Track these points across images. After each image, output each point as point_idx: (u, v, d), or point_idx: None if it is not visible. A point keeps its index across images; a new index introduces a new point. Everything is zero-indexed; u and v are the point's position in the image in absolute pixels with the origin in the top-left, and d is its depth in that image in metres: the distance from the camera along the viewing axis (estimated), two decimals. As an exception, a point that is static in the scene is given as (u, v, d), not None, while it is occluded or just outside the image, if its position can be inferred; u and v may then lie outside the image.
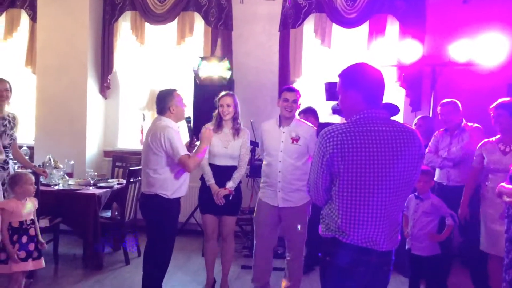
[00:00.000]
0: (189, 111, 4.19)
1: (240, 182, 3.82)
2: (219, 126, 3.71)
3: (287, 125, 3.56)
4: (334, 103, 4.47)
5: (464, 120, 4.05)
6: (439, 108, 4.12)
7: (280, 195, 3.53)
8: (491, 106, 3.51)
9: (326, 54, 5.53)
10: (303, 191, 3.51)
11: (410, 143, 1.98)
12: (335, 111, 3.45)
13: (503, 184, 2.93)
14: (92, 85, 5.73)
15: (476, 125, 3.99)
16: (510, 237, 2.74)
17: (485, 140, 3.64)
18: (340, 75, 2.11)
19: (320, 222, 2.10)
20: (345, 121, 2.07)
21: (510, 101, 3.39)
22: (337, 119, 5.03)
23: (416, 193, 3.67)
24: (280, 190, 3.53)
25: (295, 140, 3.51)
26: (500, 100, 3.52)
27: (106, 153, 5.91)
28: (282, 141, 3.53)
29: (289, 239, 3.65)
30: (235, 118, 3.73)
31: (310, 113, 4.73)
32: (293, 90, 3.59)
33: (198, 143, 3.61)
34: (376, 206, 1.95)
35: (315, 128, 3.70)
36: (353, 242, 1.96)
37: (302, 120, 3.82)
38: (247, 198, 3.89)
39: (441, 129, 4.17)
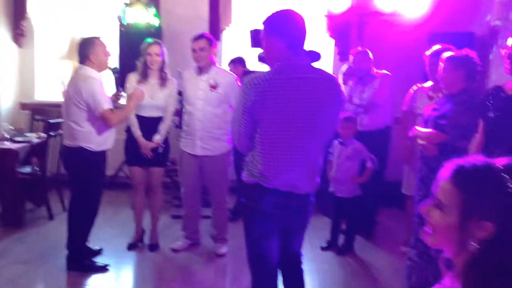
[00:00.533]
0: (114, 60, 3.98)
1: (168, 132, 3.75)
2: (145, 76, 3.56)
3: (205, 72, 3.49)
4: (260, 50, 4.40)
5: (374, 68, 4.10)
6: (350, 57, 4.17)
7: (198, 143, 3.52)
8: (427, 53, 3.49)
9: (257, 1, 5.42)
10: (223, 140, 3.52)
11: (330, 89, 2.02)
12: (261, 59, 3.40)
13: (417, 127, 3.09)
14: (3, 33, 5.24)
15: (385, 72, 4.07)
16: (421, 176, 2.92)
17: (419, 85, 3.67)
18: (264, 22, 2.08)
19: (244, 169, 2.12)
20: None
21: (452, 55, 3.23)
22: (265, 67, 5.01)
23: (340, 139, 3.81)
24: (199, 139, 3.50)
25: (214, 87, 3.46)
26: (436, 47, 3.47)
27: (23, 106, 5.51)
28: (201, 89, 3.48)
29: (211, 187, 3.68)
30: (161, 68, 3.60)
31: (238, 62, 4.68)
32: (200, 37, 3.48)
33: (124, 94, 3.47)
34: (297, 152, 1.99)
35: (235, 75, 3.67)
36: (275, 186, 2.01)
37: (224, 68, 3.77)
38: (176, 149, 3.83)
39: (354, 78, 4.21)
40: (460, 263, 0.97)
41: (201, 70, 3.51)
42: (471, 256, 0.94)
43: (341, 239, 3.90)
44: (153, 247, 3.74)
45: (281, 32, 2.00)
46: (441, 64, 2.87)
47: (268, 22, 2.06)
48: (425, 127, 3.21)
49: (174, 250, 3.70)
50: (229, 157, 3.70)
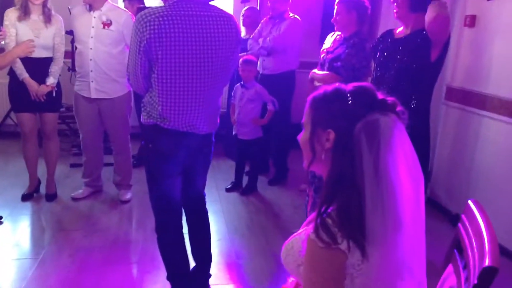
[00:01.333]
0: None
1: (60, 75, 3.50)
2: (26, 12, 3.22)
3: (97, 9, 3.26)
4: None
5: (289, 11, 4.05)
6: None
7: (93, 85, 3.34)
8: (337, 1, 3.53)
9: None
10: (119, 82, 3.38)
11: (227, 28, 1.99)
12: (156, -6, 3.25)
13: (315, 70, 3.22)
14: None
15: (295, 16, 4.06)
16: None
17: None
18: None
19: (142, 110, 2.06)
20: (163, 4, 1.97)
21: None
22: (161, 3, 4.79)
23: (242, 82, 3.85)
24: (93, 80, 3.33)
25: (107, 25, 3.26)
26: None
27: None
28: (93, 26, 3.26)
29: (111, 132, 3.56)
30: (44, 3, 3.26)
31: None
32: None
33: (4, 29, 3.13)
34: (195, 92, 1.97)
35: (130, 13, 3.47)
36: (174, 127, 1.99)
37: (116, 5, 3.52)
38: (71, 94, 3.58)
39: (268, 16, 4.16)
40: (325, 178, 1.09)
41: (92, 7, 3.26)
42: (328, 170, 1.06)
43: (245, 181, 4.04)
44: (50, 197, 3.57)
45: None
46: (336, 7, 2.98)
47: None
48: (321, 69, 3.35)
49: (75, 199, 3.57)
50: (128, 101, 3.57)
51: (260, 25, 4.17)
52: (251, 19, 4.55)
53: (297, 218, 3.43)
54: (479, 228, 1.15)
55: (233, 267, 2.76)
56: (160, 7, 1.91)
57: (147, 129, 2.05)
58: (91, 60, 3.28)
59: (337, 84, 1.12)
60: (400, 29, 2.72)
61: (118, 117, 3.48)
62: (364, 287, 1.00)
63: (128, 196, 3.65)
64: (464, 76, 3.51)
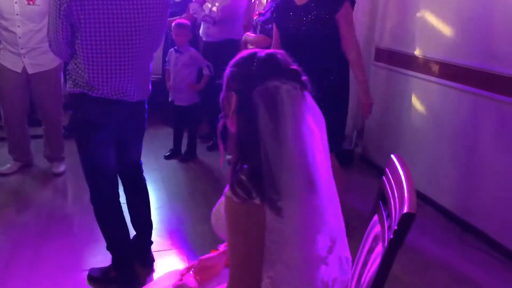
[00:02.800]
0: None
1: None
2: None
3: None
4: None
5: None
6: None
7: (27, 61, 3.17)
8: None
9: None
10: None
11: None
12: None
13: (247, 33, 3.22)
14: None
15: None
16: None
17: None
18: None
19: (67, 79, 1.97)
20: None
21: None
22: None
23: (176, 47, 3.76)
24: (26, 57, 3.15)
25: (31, 0, 3.05)
26: None
27: None
28: (16, 2, 3.04)
29: (43, 105, 3.39)
30: None
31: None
32: None
33: None
34: (124, 57, 1.90)
35: None
36: (103, 95, 1.92)
37: None
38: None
39: None
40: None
41: None
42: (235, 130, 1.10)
43: (184, 147, 4.02)
44: None
45: None
46: None
47: None
48: (254, 32, 3.35)
49: (3, 174, 3.39)
50: (61, 71, 3.38)
51: None
52: None
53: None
54: (400, 179, 1.23)
55: (175, 233, 2.78)
56: None
57: (74, 98, 1.97)
58: (20, 38, 3.10)
59: (251, 50, 1.13)
60: None
61: (51, 89, 3.32)
62: (284, 238, 1.05)
63: (61, 168, 3.52)
64: (391, 37, 3.64)
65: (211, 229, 1.24)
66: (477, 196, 2.79)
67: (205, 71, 3.77)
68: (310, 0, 2.36)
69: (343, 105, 2.59)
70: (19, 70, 3.18)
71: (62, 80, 3.48)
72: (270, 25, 2.90)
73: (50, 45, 1.94)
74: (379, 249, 1.21)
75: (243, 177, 1.03)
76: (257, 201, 1.01)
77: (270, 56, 1.10)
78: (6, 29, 3.12)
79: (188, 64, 3.75)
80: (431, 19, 3.17)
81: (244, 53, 1.14)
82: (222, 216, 1.10)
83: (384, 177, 1.39)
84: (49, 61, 3.22)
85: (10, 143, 3.45)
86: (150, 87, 2.14)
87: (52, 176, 3.46)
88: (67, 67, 1.96)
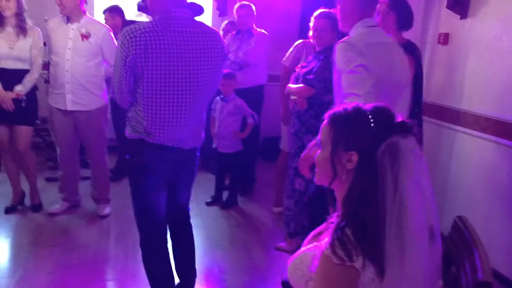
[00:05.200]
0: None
1: (37, 88, 3.44)
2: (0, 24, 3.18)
3: (76, 21, 3.24)
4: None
5: (254, 26, 4.09)
6: (235, 10, 4.10)
7: (69, 97, 3.29)
8: (314, 15, 3.23)
9: None
10: (96, 94, 3.35)
11: (213, 44, 2.01)
12: (140, 8, 3.21)
13: (290, 84, 3.27)
14: None
15: (262, 31, 4.10)
16: (295, 131, 3.12)
17: (303, 40, 3.58)
18: None
19: (126, 125, 2.05)
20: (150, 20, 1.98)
21: (322, 14, 3.09)
22: (144, 18, 4.78)
23: (222, 96, 3.87)
24: (69, 92, 3.27)
25: (85, 37, 3.23)
26: (320, 11, 3.51)
27: None
28: (70, 38, 3.22)
29: (87, 145, 3.51)
30: (18, 14, 3.22)
31: (115, 11, 4.40)
32: None
33: None
34: (181, 107, 1.97)
35: (108, 27, 3.47)
36: (159, 142, 1.99)
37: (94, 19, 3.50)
38: (46, 106, 3.52)
39: (233, 32, 4.20)
40: (341, 197, 1.12)
41: (70, 19, 3.23)
42: (347, 188, 1.09)
43: (225, 194, 4.03)
44: (36, 207, 3.54)
45: None
46: (313, 21, 3.04)
47: None
48: (296, 83, 3.40)
49: (52, 214, 3.49)
50: (105, 113, 3.52)
51: (225, 40, 4.19)
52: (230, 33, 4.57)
53: (277, 232, 3.45)
54: (469, 243, 1.19)
55: (217, 283, 2.74)
56: (146, 22, 1.91)
57: (132, 143, 2.04)
58: (67, 71, 3.24)
59: (356, 103, 1.14)
60: None
61: (94, 130, 3.43)
62: None
63: (106, 210, 3.59)
64: (438, 92, 3.62)
65: (251, 280, 1.22)
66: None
67: (250, 120, 3.83)
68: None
69: None
70: (66, 107, 3.31)
71: (108, 123, 3.62)
72: (311, 76, 2.98)
73: (113, 92, 2.04)
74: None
75: (345, 238, 1.01)
76: (356, 264, 0.99)
77: (383, 110, 1.11)
78: (55, 64, 3.27)
79: (233, 113, 3.83)
80: (479, 74, 3.15)
81: (346, 108, 1.13)
82: (303, 268, 1.09)
83: (448, 239, 1.34)
84: (89, 102, 3.33)
85: (61, 181, 3.56)
86: (203, 134, 2.20)
87: (97, 218, 3.53)
88: (127, 114, 2.04)
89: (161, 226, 2.15)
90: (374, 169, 1.03)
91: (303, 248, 1.20)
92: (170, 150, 2.02)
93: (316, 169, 1.18)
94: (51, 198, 3.72)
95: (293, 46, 3.57)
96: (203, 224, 3.54)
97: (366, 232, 1.01)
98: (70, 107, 3.31)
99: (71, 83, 3.26)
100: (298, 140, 3.08)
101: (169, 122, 1.97)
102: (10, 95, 3.23)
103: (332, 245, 1.02)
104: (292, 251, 3.15)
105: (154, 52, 1.86)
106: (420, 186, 1.04)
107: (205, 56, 1.97)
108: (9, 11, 3.16)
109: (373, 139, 1.05)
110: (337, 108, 1.15)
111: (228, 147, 3.89)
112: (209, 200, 4.00)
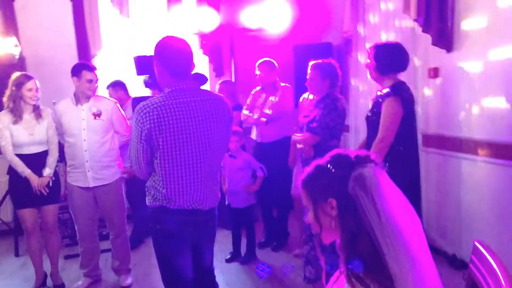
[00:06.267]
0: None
1: (57, 166, 3.55)
2: (19, 114, 3.31)
3: (85, 102, 3.40)
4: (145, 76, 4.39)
5: (277, 79, 4.19)
6: (257, 67, 4.18)
7: (90, 174, 3.40)
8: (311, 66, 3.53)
9: (127, 24, 5.36)
10: (113, 166, 3.47)
11: (220, 109, 2.15)
12: (147, 84, 3.40)
13: (296, 134, 3.40)
14: None
15: (286, 84, 4.23)
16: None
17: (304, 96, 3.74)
18: (154, 49, 2.13)
19: (146, 194, 2.14)
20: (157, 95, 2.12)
21: (318, 64, 3.26)
22: (149, 92, 4.98)
23: (230, 153, 3.98)
24: (90, 169, 3.39)
25: (98, 115, 3.39)
26: (313, 62, 3.70)
27: None
28: (83, 119, 3.37)
29: (108, 217, 3.57)
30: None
31: (119, 86, 4.61)
32: (93, 68, 3.42)
33: None
34: (197, 171, 2.08)
35: (115, 100, 3.65)
36: (180, 207, 2.07)
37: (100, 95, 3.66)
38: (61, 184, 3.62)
39: (258, 88, 4.29)
40: (338, 244, 1.21)
41: (78, 100, 3.40)
42: (340, 233, 1.19)
43: (243, 249, 4.04)
44: (59, 287, 3.55)
45: (163, 59, 2.08)
46: (309, 72, 3.20)
47: (155, 50, 2.13)
48: (301, 132, 3.53)
49: (75, 291, 3.50)
50: (121, 183, 3.62)
51: (251, 96, 4.30)
52: (225, 92, 4.70)
53: (300, 281, 3.43)
54: (492, 267, 1.24)
55: None
56: (157, 97, 2.05)
57: (153, 212, 2.12)
58: (86, 151, 3.36)
59: (314, 163, 1.28)
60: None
61: (115, 200, 3.51)
62: None
63: (129, 281, 3.59)
64: (436, 123, 3.74)
65: None
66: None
67: (259, 173, 3.92)
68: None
69: (416, 184, 2.81)
70: (87, 185, 3.41)
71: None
72: (314, 124, 3.10)
73: (132, 166, 2.14)
74: None
75: (359, 274, 1.09)
76: None
77: (336, 155, 1.26)
78: (73, 145, 3.39)
79: (242, 168, 3.92)
80: (472, 102, 3.28)
81: (308, 171, 1.27)
82: None
83: (471, 265, 1.39)
84: (109, 175, 3.45)
85: (82, 258, 3.59)
86: (219, 194, 2.28)
87: (120, 289, 3.54)
88: (146, 184, 2.14)
89: (188, 288, 2.18)
90: (353, 204, 1.15)
91: None
92: (191, 213, 2.10)
93: (316, 232, 1.28)
94: (71, 275, 3.74)
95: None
96: (226, 282, 3.53)
97: (370, 264, 1.10)
98: (92, 183, 3.41)
99: (91, 161, 3.37)
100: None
101: (187, 187, 2.07)
102: (44, 180, 3.33)
103: (349, 281, 1.11)
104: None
105: (168, 124, 1.99)
106: (398, 200, 1.16)
107: (215, 120, 2.10)
108: (35, 101, 3.34)
109: (339, 180, 1.18)
110: (302, 175, 1.31)
111: (241, 202, 3.95)
112: (228, 256, 4.01)
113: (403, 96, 2.68)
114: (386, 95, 2.70)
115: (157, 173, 2.07)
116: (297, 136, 3.59)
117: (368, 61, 2.84)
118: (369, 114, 2.87)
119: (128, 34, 5.38)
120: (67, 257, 4.18)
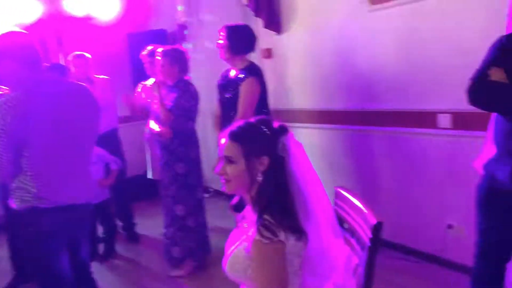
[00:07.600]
0: None
1: None
2: None
3: None
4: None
5: (94, 73, 4.02)
6: (70, 60, 3.92)
7: None
8: (144, 53, 3.69)
9: None
10: None
11: (84, 99, 2.09)
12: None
13: (151, 121, 3.41)
14: None
15: (104, 76, 4.08)
16: (165, 161, 3.21)
17: (142, 83, 3.83)
18: None
19: (12, 197, 1.96)
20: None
21: (167, 51, 3.26)
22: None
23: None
24: None
25: None
26: (150, 48, 3.67)
27: None
28: None
29: None
30: None
31: None
32: None
33: None
34: (69, 165, 2.00)
35: None
36: (54, 204, 1.96)
37: None
38: None
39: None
40: (253, 195, 1.37)
41: None
42: (258, 186, 1.35)
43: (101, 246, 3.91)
44: None
45: (15, 55, 1.92)
46: (158, 59, 3.23)
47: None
48: (156, 119, 3.55)
49: None
50: None
51: None
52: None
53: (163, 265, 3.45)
54: (351, 202, 1.56)
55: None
56: (15, 93, 1.88)
57: (23, 215, 1.96)
58: None
59: (245, 120, 1.42)
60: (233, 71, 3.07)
61: None
62: (304, 259, 1.33)
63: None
64: (273, 99, 4.15)
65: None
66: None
67: (113, 166, 3.76)
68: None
69: None
70: None
71: None
72: (171, 104, 3.17)
73: None
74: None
75: (269, 220, 1.27)
76: (281, 237, 1.26)
77: (267, 120, 1.41)
78: None
79: (94, 162, 3.72)
80: (303, 77, 3.77)
81: (240, 125, 1.40)
82: (239, 260, 1.32)
83: (335, 206, 1.69)
84: None
85: None
86: (93, 188, 2.23)
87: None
88: (12, 186, 1.96)
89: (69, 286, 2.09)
90: (281, 164, 1.34)
91: (232, 248, 1.42)
92: (67, 209, 2.00)
93: (229, 181, 1.39)
94: None
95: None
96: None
97: (283, 213, 1.30)
98: None
99: None
100: (170, 169, 3.23)
101: (61, 182, 1.98)
102: None
103: (259, 231, 1.27)
104: (188, 274, 3.26)
105: (33, 118, 1.85)
106: (310, 167, 1.39)
107: (80, 110, 2.03)
108: None
109: (271, 141, 1.35)
110: (232, 127, 1.41)
111: (96, 197, 3.77)
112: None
113: (258, 75, 2.95)
114: (245, 76, 2.92)
115: (25, 173, 1.91)
116: (151, 124, 3.55)
117: (221, 42, 3.01)
118: (227, 96, 3.05)
119: None
120: None
